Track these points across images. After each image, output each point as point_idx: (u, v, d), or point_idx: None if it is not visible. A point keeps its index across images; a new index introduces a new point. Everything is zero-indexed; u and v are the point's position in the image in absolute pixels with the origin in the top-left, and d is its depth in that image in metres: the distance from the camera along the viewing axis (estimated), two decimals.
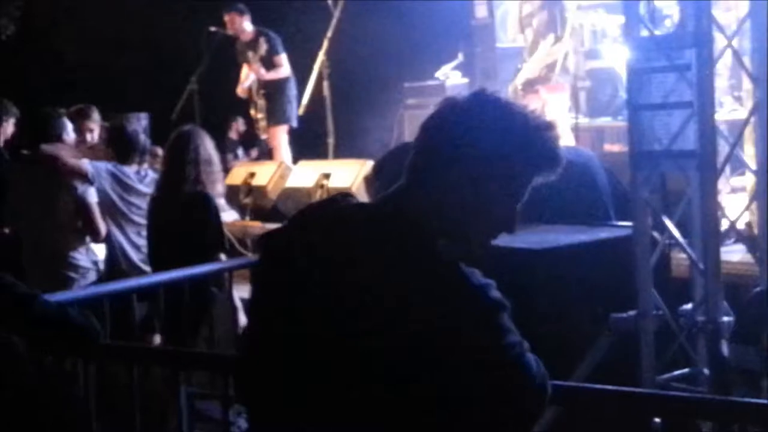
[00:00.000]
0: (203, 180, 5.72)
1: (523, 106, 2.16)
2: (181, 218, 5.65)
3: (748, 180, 5.28)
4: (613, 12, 10.07)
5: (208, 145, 5.87)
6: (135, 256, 6.25)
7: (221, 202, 6.45)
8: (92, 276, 6.22)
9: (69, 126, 6.49)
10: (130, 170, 6.31)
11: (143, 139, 6.61)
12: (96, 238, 6.21)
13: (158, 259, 5.78)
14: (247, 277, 5.60)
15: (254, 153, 11.69)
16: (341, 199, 2.19)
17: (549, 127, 2.11)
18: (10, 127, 7.09)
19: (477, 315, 1.98)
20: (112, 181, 6.24)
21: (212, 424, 3.95)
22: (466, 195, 2.06)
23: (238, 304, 5.76)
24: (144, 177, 6.34)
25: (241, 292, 5.85)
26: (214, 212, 5.72)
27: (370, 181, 5.06)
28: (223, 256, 5.71)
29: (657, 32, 4.19)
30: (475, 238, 2.12)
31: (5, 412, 3.19)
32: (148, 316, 5.40)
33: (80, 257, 6.21)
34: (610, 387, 2.74)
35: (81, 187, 6.16)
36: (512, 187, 2.10)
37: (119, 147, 6.42)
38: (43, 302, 3.41)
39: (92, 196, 6.18)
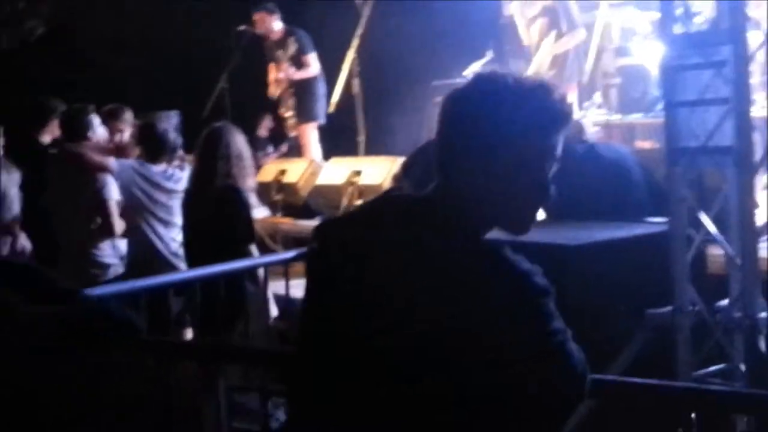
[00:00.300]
0: (234, 174, 5.77)
1: (519, 77, 2.16)
2: (213, 212, 5.71)
3: None
4: (643, 9, 10.06)
5: (239, 141, 5.92)
6: (165, 250, 6.31)
7: (252, 198, 6.49)
8: (118, 271, 6.28)
9: (96, 123, 6.57)
10: (156, 168, 6.37)
11: (173, 137, 6.66)
12: (109, 235, 6.28)
13: (192, 253, 5.85)
14: (280, 273, 5.66)
15: (284, 148, 11.72)
16: (393, 193, 2.23)
17: (542, 87, 2.12)
18: (55, 125, 7.17)
19: (523, 300, 2.00)
20: (137, 178, 6.31)
21: (250, 417, 3.98)
22: (492, 181, 2.09)
23: (272, 299, 5.82)
24: (171, 176, 6.39)
25: (275, 287, 5.91)
26: (244, 205, 5.77)
27: (398, 178, 5.08)
28: (253, 248, 5.76)
29: (692, 29, 4.20)
30: (515, 219, 2.15)
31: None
32: (182, 310, 5.44)
33: (102, 254, 6.28)
34: (645, 380, 2.74)
35: (102, 183, 6.24)
36: (531, 160, 2.10)
37: (149, 145, 6.49)
38: (84, 297, 3.45)
39: (112, 192, 6.25)
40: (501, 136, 2.08)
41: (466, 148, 2.10)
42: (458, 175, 2.11)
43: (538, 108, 2.10)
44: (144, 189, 6.33)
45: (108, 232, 6.27)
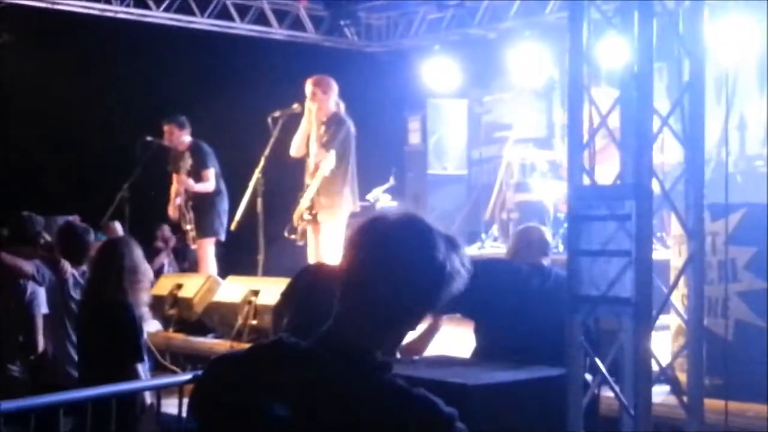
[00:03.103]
0: (126, 288, 5.71)
1: (425, 229, 2.22)
2: (102, 326, 5.63)
3: (671, 320, 5.41)
4: (542, 147, 10.37)
5: (135, 254, 5.87)
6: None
7: (145, 311, 6.40)
8: None
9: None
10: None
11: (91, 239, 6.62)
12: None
13: (84, 370, 5.72)
14: (173, 393, 5.54)
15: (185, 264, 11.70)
16: (287, 338, 2.22)
17: (452, 240, 2.23)
18: None
19: (440, 426, 2.07)
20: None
21: None
22: (389, 318, 2.17)
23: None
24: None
25: (167, 406, 5.78)
26: (132, 322, 5.68)
27: (279, 311, 4.79)
28: (140, 368, 5.65)
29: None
30: (396, 343, 2.26)
31: None
32: (72, 431, 5.28)
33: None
34: None
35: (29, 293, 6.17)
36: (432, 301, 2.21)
37: (71, 248, 6.42)
38: None
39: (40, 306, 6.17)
40: (411, 281, 2.16)
41: (374, 283, 2.15)
42: (358, 307, 2.15)
43: (451, 259, 2.19)
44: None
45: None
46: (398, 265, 2.16)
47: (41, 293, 6.18)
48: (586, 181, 4.25)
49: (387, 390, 2.10)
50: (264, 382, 2.13)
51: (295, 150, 8.91)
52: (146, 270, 6.03)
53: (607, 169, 4.23)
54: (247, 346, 2.46)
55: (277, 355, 2.17)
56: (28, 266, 6.19)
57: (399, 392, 2.10)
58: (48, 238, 6.72)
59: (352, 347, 2.13)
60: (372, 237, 2.21)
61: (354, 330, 2.15)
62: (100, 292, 5.72)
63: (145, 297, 6.01)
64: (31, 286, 6.18)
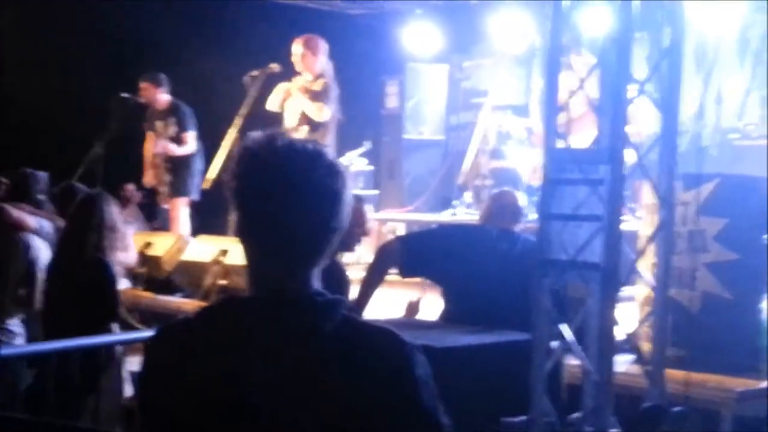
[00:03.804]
0: (105, 247, 5.65)
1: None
2: (78, 284, 5.56)
3: (638, 291, 5.41)
4: (520, 114, 10.34)
5: (113, 212, 5.81)
6: None
7: (118, 269, 6.36)
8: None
9: None
10: None
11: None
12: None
13: (49, 324, 5.66)
14: (138, 350, 5.51)
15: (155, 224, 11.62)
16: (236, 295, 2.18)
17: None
18: None
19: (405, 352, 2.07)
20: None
21: None
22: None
23: (127, 376, 5.66)
24: None
25: (131, 365, 5.75)
26: (111, 281, 5.64)
27: None
28: (115, 327, 5.61)
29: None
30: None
31: None
32: (34, 384, 5.25)
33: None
34: None
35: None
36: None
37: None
38: None
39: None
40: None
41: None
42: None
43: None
44: None
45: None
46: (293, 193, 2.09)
47: (43, 248, 6.13)
48: (560, 144, 4.22)
49: (349, 326, 2.07)
50: (224, 344, 2.06)
51: (273, 105, 8.82)
52: (122, 228, 5.99)
53: (584, 138, 4.21)
54: None
55: (231, 313, 2.12)
56: (32, 220, 6.15)
57: (361, 327, 2.09)
58: (42, 197, 6.64)
59: (297, 292, 2.08)
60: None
61: (286, 273, 2.10)
62: (80, 249, 5.65)
63: (120, 256, 5.97)
64: (33, 240, 6.13)
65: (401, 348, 2.07)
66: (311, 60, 8.68)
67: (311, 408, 2.00)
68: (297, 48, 8.72)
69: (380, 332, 2.10)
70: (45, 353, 4.70)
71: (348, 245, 5.38)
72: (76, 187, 6.95)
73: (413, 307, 5.38)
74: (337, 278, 4.98)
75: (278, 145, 2.12)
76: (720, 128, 9.36)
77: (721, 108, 9.10)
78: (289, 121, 8.79)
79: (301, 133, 8.59)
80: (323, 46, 8.79)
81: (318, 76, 8.74)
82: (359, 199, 5.41)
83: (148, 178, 10.03)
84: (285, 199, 2.07)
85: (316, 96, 8.66)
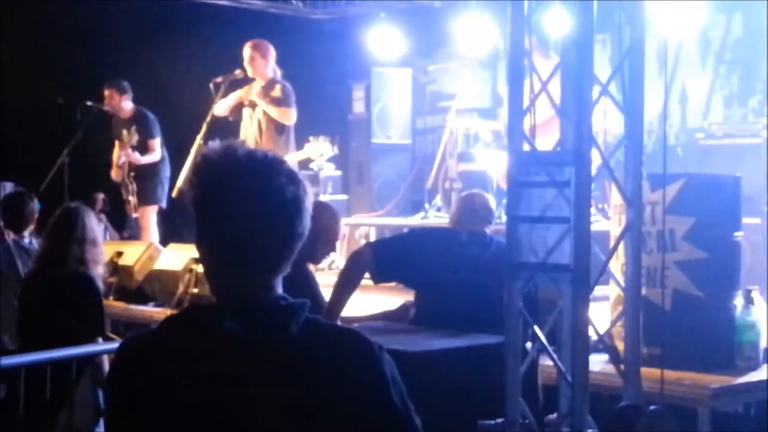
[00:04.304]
0: (87, 260, 5.59)
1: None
2: (59, 297, 5.49)
3: (611, 290, 5.44)
4: (486, 118, 10.38)
5: (93, 225, 5.77)
6: None
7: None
8: None
9: None
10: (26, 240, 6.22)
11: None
12: None
13: (27, 337, 5.59)
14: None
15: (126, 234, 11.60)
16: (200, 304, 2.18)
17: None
18: None
19: (372, 353, 2.13)
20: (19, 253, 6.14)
21: None
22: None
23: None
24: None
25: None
26: (97, 295, 5.59)
27: None
28: (100, 341, 5.55)
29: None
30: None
31: None
32: (4, 398, 5.21)
33: None
34: None
35: None
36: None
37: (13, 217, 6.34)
38: None
39: None
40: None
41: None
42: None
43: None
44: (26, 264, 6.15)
45: None
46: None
47: None
48: (526, 147, 4.24)
49: (314, 328, 2.10)
50: (191, 352, 2.07)
51: (222, 110, 8.89)
52: (101, 241, 5.95)
53: (552, 141, 4.21)
54: None
55: (196, 321, 2.12)
56: None
57: (326, 328, 2.13)
58: None
59: (260, 296, 2.11)
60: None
61: (249, 279, 2.12)
62: (59, 263, 5.58)
63: (101, 269, 5.92)
64: None
65: (368, 347, 2.09)
66: (261, 63, 8.80)
67: (281, 409, 2.01)
68: (247, 52, 8.82)
69: (345, 332, 2.14)
70: (15, 366, 4.66)
71: (314, 257, 5.36)
72: (20, 193, 6.88)
73: (407, 309, 5.36)
74: (301, 285, 4.96)
75: (238, 154, 2.13)
76: (686, 128, 9.45)
77: (686, 108, 9.18)
78: (250, 128, 8.85)
79: (265, 140, 8.65)
80: (272, 50, 8.90)
81: (272, 81, 8.81)
82: (333, 214, 5.38)
83: (115, 175, 10.03)
84: (246, 207, 2.08)
85: (279, 101, 8.74)
